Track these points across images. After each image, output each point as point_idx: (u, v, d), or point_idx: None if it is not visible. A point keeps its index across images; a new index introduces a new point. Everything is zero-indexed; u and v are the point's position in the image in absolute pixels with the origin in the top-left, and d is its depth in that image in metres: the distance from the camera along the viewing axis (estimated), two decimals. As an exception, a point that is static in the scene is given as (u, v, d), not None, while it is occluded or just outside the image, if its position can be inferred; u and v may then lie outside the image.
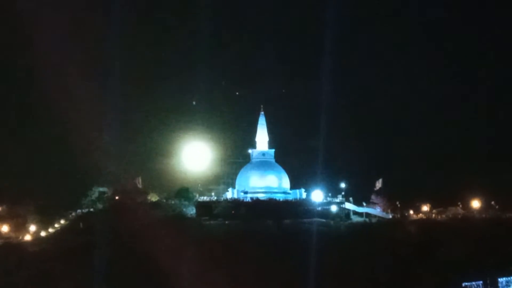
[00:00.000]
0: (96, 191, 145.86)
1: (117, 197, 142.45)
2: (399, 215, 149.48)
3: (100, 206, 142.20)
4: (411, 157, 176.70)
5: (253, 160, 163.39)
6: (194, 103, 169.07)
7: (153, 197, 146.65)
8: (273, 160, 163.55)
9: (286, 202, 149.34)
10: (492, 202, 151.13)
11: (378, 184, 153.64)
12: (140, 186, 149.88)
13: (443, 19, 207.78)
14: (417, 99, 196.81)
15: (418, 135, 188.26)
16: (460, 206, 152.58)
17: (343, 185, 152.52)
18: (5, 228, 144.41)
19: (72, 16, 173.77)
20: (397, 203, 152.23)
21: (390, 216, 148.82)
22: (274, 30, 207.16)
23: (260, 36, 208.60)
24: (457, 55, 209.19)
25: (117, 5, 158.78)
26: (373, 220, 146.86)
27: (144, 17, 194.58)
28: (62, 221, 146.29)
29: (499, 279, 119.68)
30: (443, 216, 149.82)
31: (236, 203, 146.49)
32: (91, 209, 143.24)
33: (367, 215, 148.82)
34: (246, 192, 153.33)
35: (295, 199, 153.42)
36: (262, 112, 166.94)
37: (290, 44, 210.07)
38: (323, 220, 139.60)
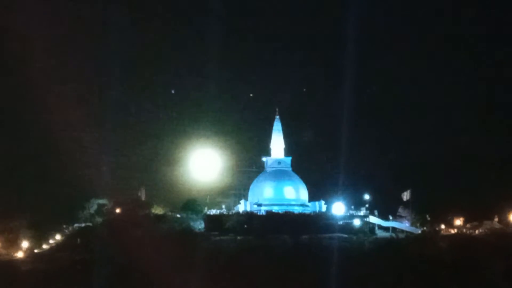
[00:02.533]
0: (95, 203, 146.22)
1: (118, 210, 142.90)
2: (429, 230, 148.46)
3: (99, 220, 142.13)
4: (442, 167, 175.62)
5: (268, 169, 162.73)
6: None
7: (158, 210, 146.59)
8: (290, 169, 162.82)
9: (304, 216, 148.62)
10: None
11: (406, 196, 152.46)
12: (143, 198, 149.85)
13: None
14: (448, 104, 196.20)
15: (450, 143, 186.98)
16: (497, 219, 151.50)
17: (367, 196, 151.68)
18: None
19: (73, 17, 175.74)
20: (427, 216, 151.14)
21: (420, 231, 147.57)
22: (292, 30, 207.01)
23: (277, 36, 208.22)
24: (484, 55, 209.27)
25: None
26: (401, 235, 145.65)
27: (151, 16, 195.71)
28: (58, 237, 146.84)
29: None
30: (478, 231, 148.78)
31: (248, 217, 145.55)
32: (89, 223, 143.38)
33: (394, 230, 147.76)
34: (260, 205, 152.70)
35: (314, 212, 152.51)
36: (278, 116, 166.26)
37: (311, 45, 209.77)
38: (345, 235, 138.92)
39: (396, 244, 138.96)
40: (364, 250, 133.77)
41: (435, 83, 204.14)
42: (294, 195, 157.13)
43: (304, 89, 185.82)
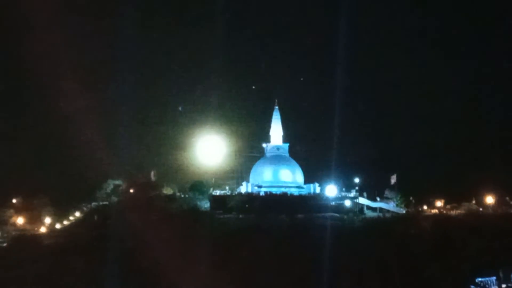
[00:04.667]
0: (111, 184, 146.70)
1: (131, 190, 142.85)
2: (413, 210, 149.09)
3: (114, 199, 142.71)
4: (426, 153, 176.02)
5: (267, 154, 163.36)
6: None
7: (168, 190, 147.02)
8: (287, 155, 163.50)
9: (299, 197, 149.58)
10: (507, 198, 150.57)
11: (392, 180, 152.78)
12: (154, 179, 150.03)
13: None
14: (432, 95, 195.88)
15: (433, 131, 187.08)
16: (474, 201, 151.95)
17: (357, 180, 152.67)
18: (20, 220, 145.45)
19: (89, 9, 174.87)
20: (411, 198, 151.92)
21: (404, 211, 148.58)
22: (290, 23, 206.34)
23: (276, 30, 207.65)
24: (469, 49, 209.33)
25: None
26: (387, 215, 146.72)
27: (159, 9, 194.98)
28: (77, 214, 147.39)
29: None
30: (457, 211, 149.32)
31: (249, 197, 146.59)
32: (106, 202, 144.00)
33: (381, 210, 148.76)
34: (260, 186, 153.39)
35: (309, 193, 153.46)
36: (277, 107, 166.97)
37: (306, 38, 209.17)
38: (337, 214, 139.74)
39: (383, 223, 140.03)
40: (354, 228, 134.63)
41: (420, 74, 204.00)
42: (291, 178, 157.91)
43: (302, 78, 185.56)
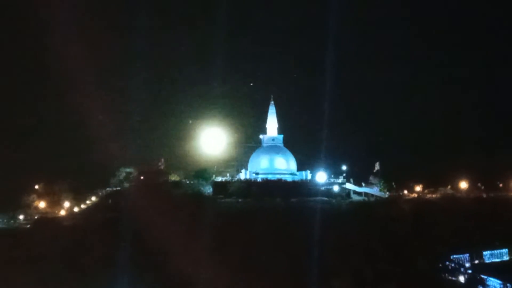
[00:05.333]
0: (123, 171, 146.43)
1: (142, 177, 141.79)
2: (394, 195, 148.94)
3: (126, 185, 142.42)
4: (406, 142, 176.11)
5: (264, 145, 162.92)
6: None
7: (174, 177, 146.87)
8: (282, 145, 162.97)
9: (293, 183, 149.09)
10: (478, 183, 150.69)
11: (376, 167, 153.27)
12: (162, 167, 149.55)
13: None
14: (411, 91, 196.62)
15: (413, 123, 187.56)
16: (449, 187, 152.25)
17: (344, 167, 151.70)
18: (42, 204, 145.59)
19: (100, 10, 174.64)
20: (393, 183, 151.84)
21: (387, 196, 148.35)
22: (284, 27, 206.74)
23: (272, 34, 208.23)
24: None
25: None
26: (371, 199, 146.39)
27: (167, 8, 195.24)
28: (93, 198, 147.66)
29: (483, 252, 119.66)
30: (434, 195, 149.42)
31: (248, 183, 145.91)
32: (119, 188, 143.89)
33: (366, 194, 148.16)
34: (257, 173, 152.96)
35: (301, 180, 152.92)
36: (272, 102, 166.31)
37: (299, 39, 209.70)
38: (326, 198, 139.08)
39: (367, 206, 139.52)
40: (342, 211, 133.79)
41: (403, 72, 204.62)
42: (285, 166, 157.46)
43: (295, 75, 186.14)
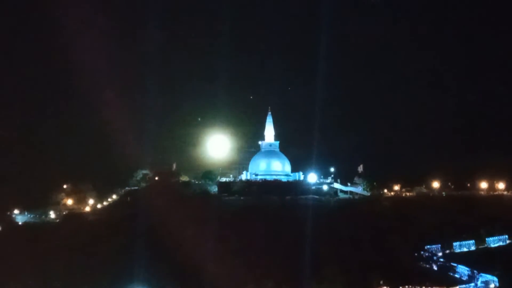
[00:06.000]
0: (140, 173, 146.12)
1: (156, 178, 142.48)
2: (376, 193, 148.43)
3: (143, 184, 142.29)
4: (385, 148, 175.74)
5: (262, 150, 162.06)
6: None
7: (185, 178, 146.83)
8: (278, 150, 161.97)
9: (287, 182, 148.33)
10: (449, 183, 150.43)
11: (360, 169, 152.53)
12: (174, 169, 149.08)
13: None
14: (391, 103, 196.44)
15: (392, 130, 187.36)
16: (424, 186, 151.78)
17: (332, 169, 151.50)
18: (70, 202, 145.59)
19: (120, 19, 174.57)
20: (374, 183, 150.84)
21: (369, 194, 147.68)
22: (278, 47, 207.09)
23: (270, 51, 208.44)
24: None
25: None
26: (356, 197, 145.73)
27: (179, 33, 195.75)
28: (114, 196, 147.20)
29: (453, 243, 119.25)
30: (410, 194, 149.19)
31: (249, 183, 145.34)
32: (136, 187, 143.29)
33: (351, 193, 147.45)
34: (256, 175, 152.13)
35: (295, 180, 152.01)
36: (270, 112, 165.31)
37: (293, 57, 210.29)
38: (316, 196, 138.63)
39: (352, 203, 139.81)
40: (330, 207, 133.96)
41: (387, 82, 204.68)
42: (280, 168, 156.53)
43: (289, 88, 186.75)
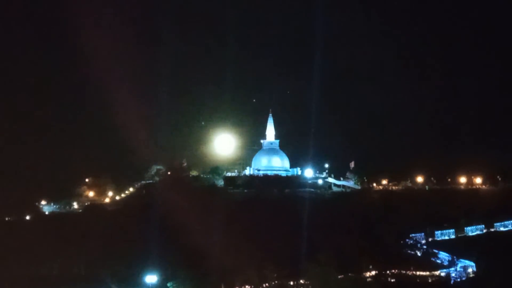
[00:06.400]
0: (155, 168, 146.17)
1: (169, 172, 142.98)
2: (366, 187, 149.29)
3: (157, 178, 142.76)
4: (374, 146, 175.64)
5: (264, 147, 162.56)
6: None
7: (194, 173, 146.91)
8: (278, 148, 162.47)
9: (286, 177, 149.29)
10: (432, 178, 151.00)
11: (351, 165, 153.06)
12: (185, 164, 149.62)
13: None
14: (383, 104, 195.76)
15: (380, 130, 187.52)
16: (409, 180, 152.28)
17: (327, 165, 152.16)
18: (91, 194, 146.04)
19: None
20: (364, 178, 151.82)
21: (360, 187, 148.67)
22: (281, 54, 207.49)
23: (270, 61, 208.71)
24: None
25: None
26: (348, 190, 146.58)
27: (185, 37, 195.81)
28: (131, 189, 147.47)
29: (435, 232, 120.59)
30: (397, 187, 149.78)
31: (252, 177, 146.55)
32: (151, 181, 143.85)
33: (344, 186, 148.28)
34: (259, 170, 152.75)
35: (293, 175, 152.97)
36: (271, 114, 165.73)
37: (292, 64, 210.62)
38: (312, 190, 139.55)
39: (345, 196, 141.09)
40: (325, 199, 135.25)
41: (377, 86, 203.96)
42: (280, 164, 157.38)
43: (288, 92, 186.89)
